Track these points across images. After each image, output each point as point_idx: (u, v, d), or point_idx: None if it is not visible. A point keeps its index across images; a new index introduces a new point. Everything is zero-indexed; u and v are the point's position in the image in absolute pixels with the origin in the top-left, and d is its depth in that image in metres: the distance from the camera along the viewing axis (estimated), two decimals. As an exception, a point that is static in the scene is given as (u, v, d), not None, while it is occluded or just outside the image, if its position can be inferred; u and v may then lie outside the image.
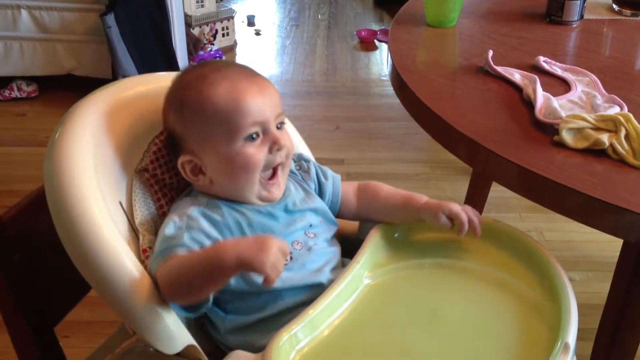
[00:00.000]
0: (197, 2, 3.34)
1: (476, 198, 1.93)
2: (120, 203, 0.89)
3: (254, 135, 0.87)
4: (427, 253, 0.96)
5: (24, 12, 2.84)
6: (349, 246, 0.98)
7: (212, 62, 0.92)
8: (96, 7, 2.78)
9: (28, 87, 2.97)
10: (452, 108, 1.10)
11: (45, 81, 2.97)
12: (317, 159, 2.78)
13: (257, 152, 0.88)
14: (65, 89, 2.93)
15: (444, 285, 0.91)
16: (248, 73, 0.90)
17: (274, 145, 0.88)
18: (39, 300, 0.89)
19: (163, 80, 0.95)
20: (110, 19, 2.68)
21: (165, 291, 0.80)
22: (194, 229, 0.84)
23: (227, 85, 0.87)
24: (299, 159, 1.02)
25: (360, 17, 4.00)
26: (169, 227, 0.85)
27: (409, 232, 0.99)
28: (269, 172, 0.90)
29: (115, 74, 2.77)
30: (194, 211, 0.87)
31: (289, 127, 1.07)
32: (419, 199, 0.96)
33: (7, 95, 2.95)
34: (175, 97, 0.90)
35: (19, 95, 2.95)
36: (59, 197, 0.81)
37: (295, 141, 1.08)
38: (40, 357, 0.89)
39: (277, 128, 0.90)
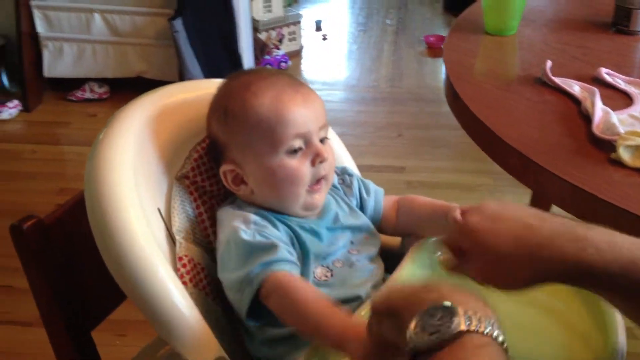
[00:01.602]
0: (265, 7, 3.37)
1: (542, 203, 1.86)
2: (159, 210, 0.89)
3: (296, 148, 0.86)
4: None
5: (97, 16, 2.93)
6: (392, 262, 0.95)
7: (258, 69, 0.91)
8: (166, 12, 2.85)
9: (100, 89, 3.07)
10: (505, 120, 1.06)
11: (116, 83, 3.06)
12: (377, 167, 2.73)
13: (300, 166, 0.86)
14: (135, 91, 2.99)
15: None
16: (293, 83, 0.89)
17: (317, 158, 0.87)
18: (77, 303, 0.91)
19: (207, 87, 0.95)
20: (178, 23, 2.74)
21: (275, 310, 0.79)
22: (270, 235, 0.83)
23: (271, 94, 0.86)
24: (343, 173, 1.00)
25: (429, 23, 3.95)
26: (243, 233, 0.83)
27: (452, 249, 0.95)
28: (315, 181, 0.89)
29: (182, 78, 2.82)
30: (254, 217, 0.85)
31: (334, 138, 1.06)
32: (450, 206, 0.91)
33: (80, 96, 3.05)
34: (220, 105, 0.89)
35: (91, 97, 3.05)
36: (97, 201, 0.82)
37: (340, 154, 1.06)
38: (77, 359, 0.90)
39: (321, 142, 0.89)
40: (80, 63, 3.01)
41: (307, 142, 0.86)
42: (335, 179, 0.97)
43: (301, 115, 0.85)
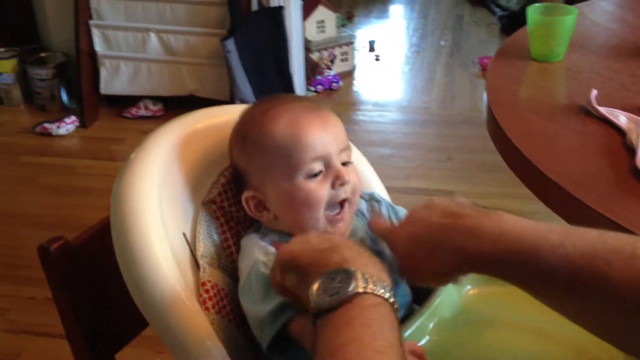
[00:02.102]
0: (318, 27, 3.38)
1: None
2: (184, 234, 0.89)
3: (316, 171, 0.85)
4: (502, 310, 0.88)
5: (152, 36, 2.99)
6: (420, 292, 0.92)
7: (279, 96, 0.90)
8: (219, 32, 2.89)
9: (154, 107, 3.13)
10: (544, 151, 1.03)
11: (170, 101, 3.12)
12: (425, 190, 2.68)
13: (319, 188, 0.85)
14: (188, 109, 3.04)
15: (517, 349, 0.84)
16: (312, 107, 0.88)
17: (337, 180, 0.85)
18: (102, 325, 0.91)
19: (236, 112, 0.95)
20: (231, 43, 2.77)
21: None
22: None
23: (288, 119, 0.85)
24: (370, 199, 0.98)
25: (485, 44, 3.89)
26: (263, 266, 0.81)
27: (485, 284, 0.92)
28: (336, 209, 0.87)
29: (233, 97, 2.85)
30: (274, 247, 0.84)
31: (362, 161, 1.04)
32: None
33: (135, 113, 3.12)
34: (239, 132, 0.90)
35: (145, 114, 3.11)
36: (120, 225, 0.82)
37: (369, 178, 1.04)
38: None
39: (343, 164, 0.87)
40: (136, 81, 3.07)
41: (327, 164, 0.85)
42: (363, 206, 0.95)
43: (320, 138, 0.84)
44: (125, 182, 0.86)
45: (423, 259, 0.73)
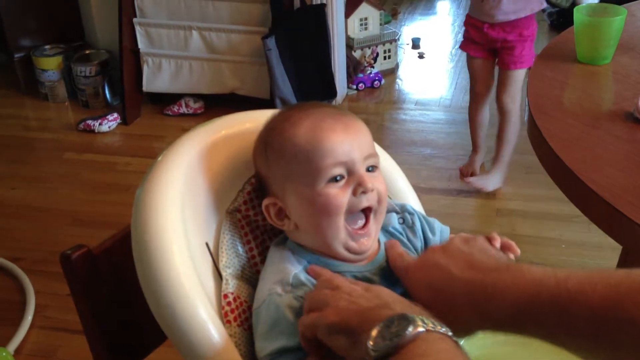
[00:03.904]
0: (361, 25, 3.34)
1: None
2: (207, 244, 0.87)
3: (338, 177, 0.81)
4: (534, 356, 0.83)
5: (194, 33, 3.00)
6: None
7: (304, 103, 0.87)
8: (260, 30, 2.88)
9: (195, 104, 3.14)
10: (588, 160, 0.97)
11: (211, 99, 3.12)
12: (466, 192, 2.61)
13: (339, 194, 0.80)
14: (228, 107, 3.03)
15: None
16: (335, 112, 0.84)
17: (359, 187, 0.80)
18: (123, 334, 0.90)
19: (261, 119, 0.92)
20: (271, 42, 2.75)
21: None
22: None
23: (309, 124, 0.82)
24: (402, 211, 0.93)
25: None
26: (277, 297, 0.78)
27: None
28: (360, 220, 0.83)
29: (273, 96, 2.84)
30: (294, 276, 0.80)
31: (396, 170, 1.00)
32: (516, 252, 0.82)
33: (176, 110, 3.13)
34: (261, 138, 0.87)
35: (186, 112, 3.12)
36: (140, 233, 0.80)
37: (402, 189, 1.00)
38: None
39: (368, 171, 0.83)
40: (177, 78, 3.09)
41: (350, 171, 0.81)
42: (395, 221, 0.91)
43: (341, 144, 0.80)
44: (147, 190, 0.84)
45: (441, 311, 0.69)
